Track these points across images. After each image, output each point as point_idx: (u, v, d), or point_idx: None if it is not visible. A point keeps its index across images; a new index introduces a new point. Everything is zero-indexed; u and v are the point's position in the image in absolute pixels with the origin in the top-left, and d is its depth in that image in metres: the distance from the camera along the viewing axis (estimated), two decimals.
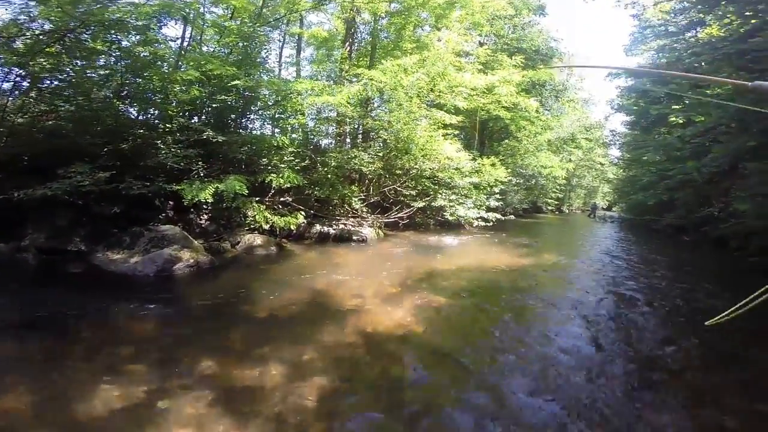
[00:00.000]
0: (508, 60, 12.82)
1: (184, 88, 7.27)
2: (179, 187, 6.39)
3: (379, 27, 11.59)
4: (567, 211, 37.86)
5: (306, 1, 8.65)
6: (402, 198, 10.67)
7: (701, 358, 3.63)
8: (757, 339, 3.92)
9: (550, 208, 30.89)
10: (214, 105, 8.33)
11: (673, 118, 8.09)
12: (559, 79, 20.41)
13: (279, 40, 11.96)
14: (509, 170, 14.22)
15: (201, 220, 7.73)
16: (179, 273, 5.36)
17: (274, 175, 7.14)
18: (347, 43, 11.05)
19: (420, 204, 10.59)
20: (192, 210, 7.47)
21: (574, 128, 26.62)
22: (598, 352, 3.59)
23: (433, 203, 11.12)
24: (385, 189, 10.52)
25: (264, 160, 7.97)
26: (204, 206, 7.36)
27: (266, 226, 7.51)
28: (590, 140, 29.53)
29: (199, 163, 7.69)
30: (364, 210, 9.58)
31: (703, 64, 6.95)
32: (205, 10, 8.77)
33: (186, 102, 7.83)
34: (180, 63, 8.06)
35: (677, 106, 7.40)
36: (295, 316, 4.18)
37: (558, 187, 28.66)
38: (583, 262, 8.44)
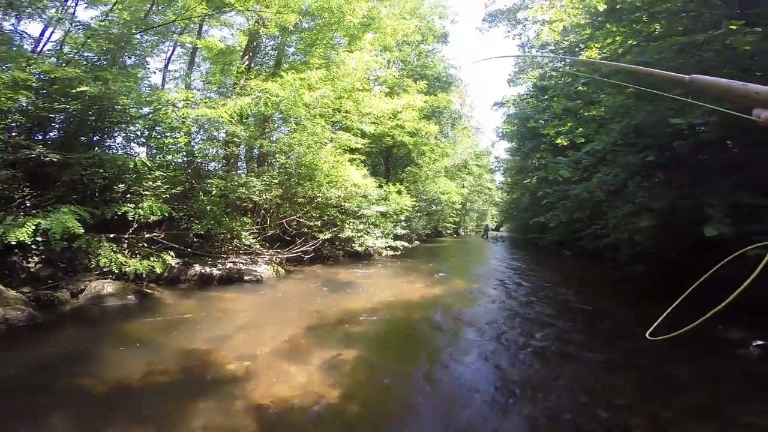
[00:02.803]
0: (414, 85, 12.97)
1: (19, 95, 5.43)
2: None
3: (287, 42, 10.63)
4: (463, 233, 40.52)
5: (202, 7, 7.24)
6: (306, 230, 9.56)
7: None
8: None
9: (449, 231, 32.59)
10: (60, 117, 6.63)
11: (559, 141, 8.81)
12: (455, 107, 21.85)
13: (166, 51, 10.20)
14: (413, 197, 14.21)
15: (29, 263, 5.82)
16: None
17: (131, 206, 5.51)
18: (246, 57, 9.75)
19: (326, 236, 9.60)
20: (17, 251, 5.62)
21: (466, 155, 28.81)
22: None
23: (340, 234, 10.23)
24: (285, 220, 9.30)
25: (121, 185, 6.22)
26: (33, 246, 5.57)
27: (127, 270, 5.82)
28: (480, 166, 32.30)
29: (25, 189, 5.83)
30: (258, 246, 8.18)
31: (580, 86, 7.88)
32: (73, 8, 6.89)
33: (18, 112, 6.09)
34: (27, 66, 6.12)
35: (563, 128, 8.04)
36: (154, 390, 2.97)
37: (455, 211, 30.41)
38: (488, 283, 8.59)
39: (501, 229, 45.87)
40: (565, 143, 8.92)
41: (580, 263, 13.22)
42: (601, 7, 6.39)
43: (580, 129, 7.27)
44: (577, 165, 6.68)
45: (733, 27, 3.88)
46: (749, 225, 4.02)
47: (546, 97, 11.25)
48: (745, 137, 5.54)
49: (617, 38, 5.91)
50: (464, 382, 3.31)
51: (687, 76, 0.89)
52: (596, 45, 7.25)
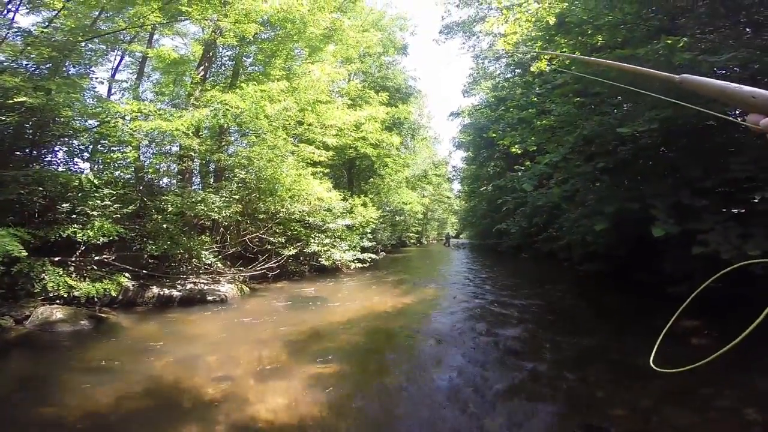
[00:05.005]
0: (376, 96, 13.07)
1: None
2: None
3: (245, 53, 10.29)
4: (425, 242, 41.10)
5: (156, 15, 6.80)
6: (269, 246, 9.24)
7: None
8: None
9: (412, 241, 32.92)
10: None
11: (514, 149, 9.27)
12: (414, 118, 22.29)
13: (112, 60, 9.53)
14: (378, 208, 14.22)
15: None
16: None
17: (78, 227, 5.07)
18: (202, 68, 9.29)
19: (291, 251, 9.32)
20: None
21: (426, 165, 29.42)
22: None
23: (305, 249, 9.99)
24: (247, 237, 8.94)
25: (65, 205, 5.70)
26: None
27: (77, 294, 5.32)
28: (439, 176, 33.06)
29: None
30: (219, 264, 7.78)
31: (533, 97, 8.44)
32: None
33: None
34: None
35: (517, 138, 8.47)
36: (127, 418, 2.77)
37: (417, 221, 30.80)
38: (455, 289, 8.81)
39: (461, 236, 47.12)
40: (519, 152, 9.41)
41: (537, 265, 13.88)
42: (552, 21, 6.90)
43: (533, 138, 7.72)
44: (534, 175, 7.08)
45: (669, 41, 4.32)
46: (691, 224, 4.42)
47: (503, 107, 11.87)
48: (677, 141, 6.14)
49: (564, 50, 6.39)
50: (443, 387, 3.33)
51: (678, 76, 0.84)
52: (546, 57, 7.80)
